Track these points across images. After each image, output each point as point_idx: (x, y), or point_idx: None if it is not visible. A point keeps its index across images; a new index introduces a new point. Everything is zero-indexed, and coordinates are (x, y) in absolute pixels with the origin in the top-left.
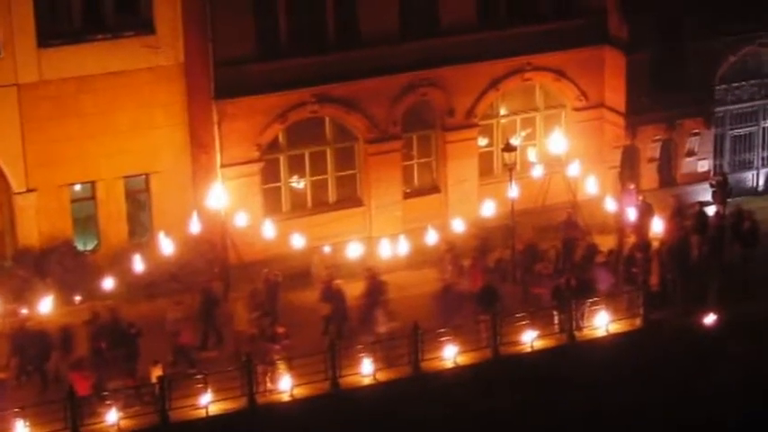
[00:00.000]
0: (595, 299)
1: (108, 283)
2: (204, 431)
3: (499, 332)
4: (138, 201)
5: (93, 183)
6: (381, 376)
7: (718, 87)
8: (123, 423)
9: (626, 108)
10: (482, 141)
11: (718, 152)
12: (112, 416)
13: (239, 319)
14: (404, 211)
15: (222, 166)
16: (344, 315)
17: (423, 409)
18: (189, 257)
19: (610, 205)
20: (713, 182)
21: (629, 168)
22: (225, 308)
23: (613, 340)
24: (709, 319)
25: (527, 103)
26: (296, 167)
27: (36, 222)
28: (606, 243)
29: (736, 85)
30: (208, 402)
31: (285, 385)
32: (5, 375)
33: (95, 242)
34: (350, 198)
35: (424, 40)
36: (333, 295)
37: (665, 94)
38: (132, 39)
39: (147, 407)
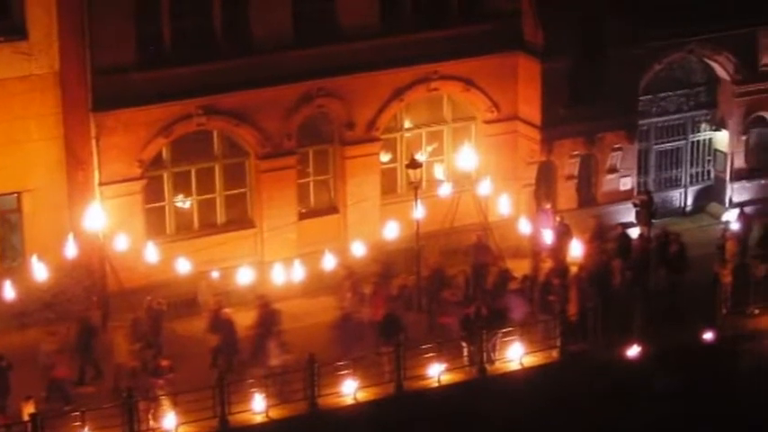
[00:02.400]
0: (508, 329)
1: None
2: None
3: (403, 365)
4: (8, 221)
5: None
6: (274, 413)
7: (642, 98)
8: None
9: (541, 120)
10: (384, 157)
11: (642, 169)
12: None
13: (119, 350)
14: (299, 233)
15: (101, 183)
16: (234, 346)
17: None
18: (64, 284)
19: (524, 227)
20: (637, 201)
21: (545, 186)
22: (104, 339)
23: (528, 374)
24: (633, 350)
25: (434, 116)
26: (181, 185)
27: None
28: (520, 268)
29: (662, 95)
30: None
31: (169, 423)
32: None
33: None
34: (240, 219)
35: (321, 45)
36: (221, 325)
37: (584, 106)
38: (2, 45)
39: None
